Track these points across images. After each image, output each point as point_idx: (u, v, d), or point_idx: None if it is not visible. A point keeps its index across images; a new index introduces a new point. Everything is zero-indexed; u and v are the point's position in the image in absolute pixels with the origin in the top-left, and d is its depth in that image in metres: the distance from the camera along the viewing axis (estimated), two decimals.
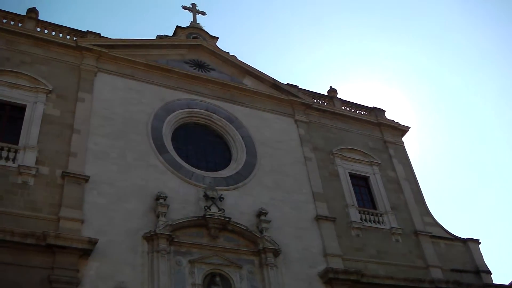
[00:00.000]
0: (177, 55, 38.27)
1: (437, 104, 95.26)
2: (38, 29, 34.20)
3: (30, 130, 29.06)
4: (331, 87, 44.71)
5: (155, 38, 38.91)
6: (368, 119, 43.41)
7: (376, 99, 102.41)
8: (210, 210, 29.98)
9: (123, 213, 28.40)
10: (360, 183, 38.88)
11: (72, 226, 26.55)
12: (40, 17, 34.97)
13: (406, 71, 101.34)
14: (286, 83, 41.09)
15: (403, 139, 44.34)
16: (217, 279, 28.15)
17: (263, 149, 35.92)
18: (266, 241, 30.19)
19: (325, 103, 42.63)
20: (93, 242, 25.95)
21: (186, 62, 38.13)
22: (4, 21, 33.46)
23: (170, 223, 28.38)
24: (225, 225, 29.86)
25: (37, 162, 28.04)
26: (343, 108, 43.26)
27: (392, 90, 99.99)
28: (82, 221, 27.03)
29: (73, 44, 34.07)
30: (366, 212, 36.53)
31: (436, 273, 35.29)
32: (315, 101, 41.75)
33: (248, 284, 28.77)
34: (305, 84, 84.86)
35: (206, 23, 51.41)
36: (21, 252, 24.73)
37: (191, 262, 28.06)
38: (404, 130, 44.47)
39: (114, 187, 29.14)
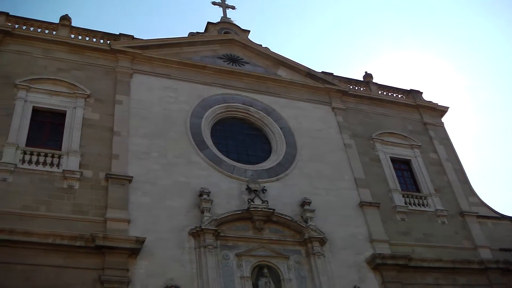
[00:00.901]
0: (210, 51, 38.42)
1: (473, 81, 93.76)
2: (72, 36, 34.81)
3: (72, 135, 29.63)
4: (366, 72, 44.39)
5: (187, 36, 39.08)
6: (406, 102, 42.97)
7: (413, 81, 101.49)
8: (253, 202, 30.01)
9: (167, 211, 28.69)
10: (402, 166, 38.54)
11: (119, 227, 26.96)
12: (73, 24, 35.50)
13: (441, 50, 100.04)
14: (320, 71, 40.90)
15: (443, 119, 43.75)
16: (265, 270, 28.20)
17: (302, 139, 35.84)
18: (312, 230, 30.11)
19: (362, 89, 42.35)
20: (140, 241, 26.29)
21: (220, 57, 38.29)
22: (39, 30, 34.17)
23: (215, 218, 28.52)
24: (270, 217, 29.86)
25: (80, 166, 28.57)
26: (379, 92, 42.91)
27: (429, 71, 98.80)
28: (129, 221, 27.42)
29: (107, 48, 34.55)
30: (410, 196, 36.16)
31: (485, 254, 34.75)
32: (351, 87, 41.50)
33: (296, 274, 28.74)
34: (339, 71, 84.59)
35: (236, 17, 51.53)
36: (71, 255, 25.26)
37: (238, 255, 28.18)
38: (443, 110, 43.86)
39: (157, 186, 29.46)
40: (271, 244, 29.29)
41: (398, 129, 40.48)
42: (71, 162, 28.44)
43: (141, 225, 27.58)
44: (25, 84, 30.70)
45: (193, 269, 27.16)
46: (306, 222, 30.58)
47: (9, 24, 33.38)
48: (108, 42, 35.07)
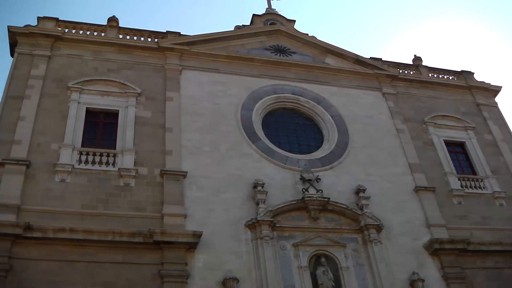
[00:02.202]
0: (257, 43, 38.51)
1: None
2: (120, 36, 35.47)
3: (125, 134, 30.21)
4: (415, 55, 43.74)
5: (233, 29, 39.19)
6: (458, 84, 42.13)
7: (463, 62, 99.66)
8: (308, 192, 30.00)
9: (223, 204, 28.94)
10: (457, 149, 37.84)
11: (175, 222, 27.36)
12: (120, 24, 36.17)
13: (490, 25, 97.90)
14: (369, 57, 40.52)
15: (496, 99, 42.76)
16: (322, 259, 28.12)
17: (354, 126, 35.58)
18: (368, 218, 29.90)
19: (411, 72, 41.75)
20: (197, 235, 26.60)
21: (267, 49, 38.33)
22: (88, 33, 34.97)
23: (270, 209, 28.61)
24: (325, 206, 29.77)
25: (135, 163, 29.11)
26: (430, 75, 42.20)
27: (479, 50, 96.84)
28: (185, 216, 27.78)
29: (155, 46, 35.00)
30: (466, 179, 35.46)
31: None
32: (400, 71, 40.94)
33: (353, 262, 28.60)
34: (388, 56, 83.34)
35: (281, 7, 51.47)
36: (131, 251, 25.82)
37: (295, 245, 28.21)
38: (496, 90, 42.84)
39: (211, 179, 29.76)
40: (328, 233, 29.21)
41: (451, 111, 39.75)
42: (126, 160, 29.01)
43: (197, 219, 27.92)
44: (77, 86, 31.46)
45: (250, 260, 27.35)
46: (361, 209, 30.40)
47: (59, 28, 34.23)
48: (156, 40, 35.50)
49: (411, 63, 43.15)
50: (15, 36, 33.26)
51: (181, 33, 36.49)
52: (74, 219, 26.26)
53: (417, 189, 33.12)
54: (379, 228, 29.85)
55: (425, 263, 30.02)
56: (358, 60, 39.72)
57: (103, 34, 35.19)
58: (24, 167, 27.41)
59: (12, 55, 33.64)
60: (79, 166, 28.32)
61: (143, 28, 36.30)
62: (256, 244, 27.76)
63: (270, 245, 27.67)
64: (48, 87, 31.32)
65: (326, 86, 37.51)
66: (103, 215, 26.85)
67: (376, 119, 36.74)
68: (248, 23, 40.96)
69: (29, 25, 33.68)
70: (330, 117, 35.48)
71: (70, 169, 27.92)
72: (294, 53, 38.85)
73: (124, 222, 26.64)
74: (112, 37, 34.89)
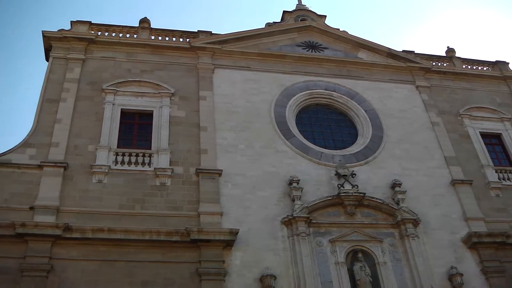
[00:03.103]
0: (288, 39, 38.44)
1: None
2: (152, 37, 35.82)
3: (160, 134, 30.52)
4: (448, 47, 43.25)
5: (264, 26, 39.19)
6: (492, 74, 41.44)
7: (497, 52, 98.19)
8: (343, 187, 29.92)
9: (258, 201, 29.04)
10: (493, 141, 37.23)
11: (212, 220, 27.56)
12: (152, 25, 36.46)
13: None
14: (401, 50, 40.18)
15: None
16: (359, 255, 27.99)
17: (388, 120, 35.32)
18: (404, 212, 29.64)
19: (445, 64, 41.24)
20: (234, 233, 26.74)
21: (298, 45, 38.26)
22: (120, 35, 35.40)
23: (306, 205, 28.60)
24: (361, 201, 29.67)
25: (171, 163, 29.39)
26: (464, 66, 41.64)
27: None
28: (221, 214, 27.97)
29: (187, 46, 35.25)
30: (503, 171, 34.85)
31: None
32: (433, 64, 40.49)
33: (390, 257, 28.43)
34: (420, 48, 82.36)
35: (311, 3, 51.28)
36: (168, 250, 26.13)
37: (331, 241, 28.14)
38: None
39: (246, 177, 29.88)
40: (364, 228, 29.08)
41: (486, 102, 39.17)
42: (161, 160, 29.31)
43: (233, 217, 28.08)
44: (112, 88, 31.94)
45: (287, 257, 27.38)
46: (398, 204, 30.16)
47: (92, 32, 34.71)
48: (188, 40, 35.72)
49: (445, 55, 42.63)
50: (50, 41, 33.87)
51: (213, 32, 36.65)
52: (112, 219, 26.68)
53: (454, 183, 32.70)
54: (416, 222, 29.56)
55: (463, 257, 29.64)
56: (390, 53, 39.41)
57: (135, 35, 35.58)
58: (62, 169, 27.94)
59: (47, 59, 34.28)
60: (115, 167, 28.74)
61: (174, 29, 36.57)
62: (292, 241, 27.77)
63: (306, 241, 27.66)
64: (83, 89, 31.86)
65: (359, 80, 37.30)
66: (141, 215, 27.20)
67: (410, 113, 36.39)
68: (279, 20, 41.01)
69: (62, 30, 34.24)
70: (364, 112, 35.30)
71: (107, 170, 28.34)
72: (326, 48, 38.71)
73: (161, 221, 26.95)
74: (145, 39, 35.24)
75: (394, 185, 31.07)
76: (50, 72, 32.54)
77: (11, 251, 24.83)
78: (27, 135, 29.28)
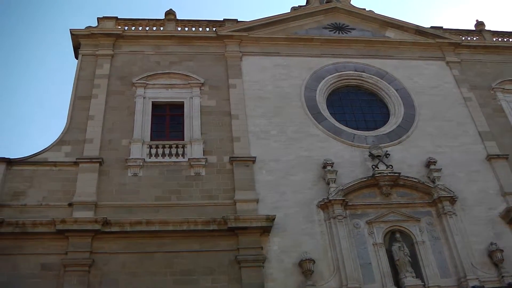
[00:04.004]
0: (314, 22, 38.20)
1: None
2: (179, 28, 36.06)
3: (192, 124, 30.76)
4: (477, 20, 42.48)
5: (289, 11, 38.94)
6: None
7: None
8: (378, 168, 29.74)
9: (293, 186, 29.06)
10: None
11: (248, 207, 27.69)
12: (177, 17, 36.65)
13: None
14: (429, 26, 39.67)
15: None
16: (397, 235, 27.82)
17: (420, 98, 34.91)
18: (440, 190, 29.33)
19: (474, 38, 40.53)
20: (271, 219, 26.81)
21: (325, 28, 38.00)
22: (147, 28, 35.62)
23: (341, 188, 28.53)
24: (396, 181, 29.45)
25: (204, 152, 29.61)
26: (494, 39, 40.85)
27: None
28: (257, 201, 28.07)
29: (214, 35, 35.36)
30: None
31: None
32: (463, 38, 39.85)
33: (429, 235, 28.20)
34: (448, 24, 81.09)
35: None
36: (206, 239, 26.36)
37: (368, 222, 28.08)
38: None
39: (280, 162, 29.93)
40: (401, 208, 28.90)
41: None
42: (195, 150, 29.53)
43: (269, 203, 28.17)
44: (142, 82, 32.27)
45: (325, 241, 27.41)
46: (433, 182, 29.88)
47: (119, 27, 35.08)
48: (214, 29, 35.80)
49: (474, 29, 41.90)
50: (78, 39, 34.32)
51: (238, 20, 36.62)
52: (149, 212, 27.04)
53: (489, 158, 32.22)
54: (452, 200, 29.25)
55: (503, 233, 29.18)
56: (418, 30, 38.88)
57: (162, 28, 35.81)
58: (97, 165, 28.38)
59: (76, 57, 34.67)
60: (150, 160, 29.07)
61: (200, 19, 36.68)
62: (329, 224, 27.77)
63: (343, 224, 27.62)
64: (113, 85, 32.25)
65: (388, 60, 36.91)
66: (177, 206, 27.47)
67: (441, 89, 35.92)
68: (304, 3, 40.76)
69: (90, 27, 34.64)
70: (394, 91, 34.98)
71: (141, 163, 28.69)
72: (353, 29, 38.39)
73: (198, 211, 27.19)
74: (171, 30, 35.46)
75: (429, 163, 30.76)
76: (80, 69, 33.00)
77: (53, 247, 25.39)
78: (62, 133, 29.79)
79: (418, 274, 26.62)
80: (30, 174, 27.92)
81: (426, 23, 41.18)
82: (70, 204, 26.90)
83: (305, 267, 25.79)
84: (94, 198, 27.13)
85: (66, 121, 30.41)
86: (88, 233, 25.64)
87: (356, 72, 35.61)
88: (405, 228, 28.27)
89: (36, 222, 25.58)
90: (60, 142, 29.36)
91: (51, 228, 25.49)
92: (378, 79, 35.46)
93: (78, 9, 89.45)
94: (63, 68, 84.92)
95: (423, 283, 26.25)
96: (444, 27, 39.96)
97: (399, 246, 27.31)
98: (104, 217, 25.77)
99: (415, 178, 29.93)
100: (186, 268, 25.42)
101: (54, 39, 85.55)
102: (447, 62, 37.60)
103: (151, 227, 26.01)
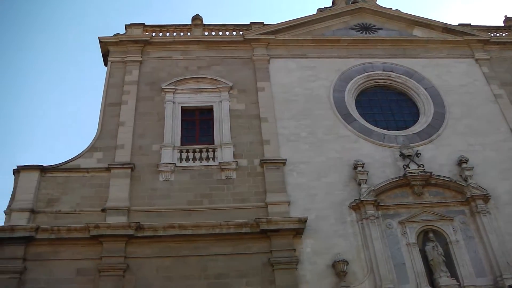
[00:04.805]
0: (341, 23, 38.06)
1: None
2: (206, 33, 36.21)
3: (222, 128, 30.91)
4: (506, 16, 41.99)
5: (315, 12, 38.92)
6: None
7: None
8: (409, 168, 29.55)
9: (324, 188, 29.04)
10: None
11: (280, 209, 27.74)
12: (204, 22, 36.79)
13: None
14: (457, 24, 39.34)
15: None
16: (431, 235, 27.59)
17: (450, 96, 34.60)
18: (473, 189, 29.03)
19: (504, 34, 40.08)
20: (303, 221, 26.81)
21: (352, 28, 37.84)
22: (174, 34, 35.87)
23: (373, 188, 28.44)
24: (428, 180, 29.24)
25: (235, 156, 29.73)
26: None
27: None
28: (289, 203, 28.12)
29: (241, 39, 35.49)
30: None
31: None
32: (492, 35, 39.42)
33: (462, 234, 27.91)
34: (476, 21, 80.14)
35: None
36: (239, 242, 26.44)
37: (401, 223, 27.89)
38: None
39: (311, 164, 29.93)
40: (433, 208, 28.66)
41: None
42: (225, 154, 29.67)
43: (301, 205, 28.20)
44: (170, 87, 32.56)
45: (358, 241, 27.35)
46: (466, 180, 29.59)
47: (147, 33, 35.40)
48: (241, 33, 35.90)
49: (503, 24, 41.44)
50: (107, 46, 34.73)
51: (265, 23, 36.66)
52: (182, 216, 27.22)
53: None
54: (486, 198, 28.95)
55: None
56: (446, 28, 38.55)
57: (189, 33, 36.00)
58: (129, 170, 28.69)
59: (105, 64, 35.09)
60: (181, 164, 29.28)
61: (226, 23, 36.84)
62: (362, 225, 27.70)
63: (376, 224, 27.52)
64: (142, 91, 32.57)
65: (416, 58, 36.64)
66: (209, 209, 27.63)
67: (471, 87, 35.56)
68: (330, 5, 40.71)
69: (118, 34, 35.09)
70: (424, 90, 34.74)
71: (172, 168, 28.91)
72: (379, 29, 38.20)
73: (230, 214, 27.28)
74: (198, 35, 35.65)
75: (461, 161, 30.48)
76: (109, 76, 33.43)
77: (87, 253, 25.76)
78: (93, 139, 30.18)
79: (453, 274, 26.35)
80: (63, 181, 28.34)
81: (453, 21, 40.66)
82: (103, 210, 27.25)
83: (339, 268, 25.73)
84: (126, 203, 27.43)
85: (97, 128, 30.76)
86: (122, 238, 25.92)
87: (384, 72, 35.44)
88: (439, 228, 28.02)
89: (70, 228, 25.97)
90: (92, 148, 29.74)
91: (85, 233, 25.87)
92: (407, 78, 35.23)
93: (106, 17, 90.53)
94: (92, 76, 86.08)
95: (458, 283, 25.99)
96: (472, 24, 39.61)
97: (433, 246, 27.08)
98: (137, 222, 26.02)
99: (447, 177, 29.68)
100: (219, 271, 25.54)
101: (83, 47, 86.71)
102: (476, 59, 37.22)
103: (184, 231, 26.19)
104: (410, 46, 37.31)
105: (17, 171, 28.27)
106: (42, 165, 28.49)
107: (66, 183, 28.24)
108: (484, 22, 75.34)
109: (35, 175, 28.14)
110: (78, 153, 29.41)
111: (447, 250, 27.26)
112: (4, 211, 26.93)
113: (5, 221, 26.55)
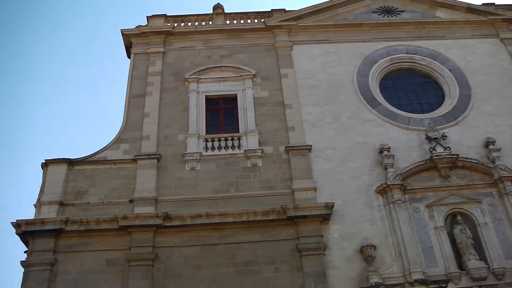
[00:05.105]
0: (363, 7, 37.67)
1: None
2: (227, 22, 36.25)
3: (246, 116, 31.01)
4: None
5: None
6: None
7: None
8: (435, 151, 29.30)
9: (351, 173, 29.01)
10: None
11: (306, 196, 27.78)
12: (225, 10, 36.87)
13: None
14: (481, 3, 38.82)
15: None
16: (459, 218, 27.41)
17: (475, 77, 34.17)
18: (501, 170, 28.67)
19: None
20: (330, 206, 26.83)
21: (374, 12, 37.49)
22: (196, 24, 35.88)
23: (399, 172, 28.30)
24: (455, 163, 28.97)
25: (260, 143, 29.83)
26: None
27: None
28: (315, 189, 28.16)
29: (263, 26, 35.41)
30: None
31: None
32: None
33: (491, 217, 27.66)
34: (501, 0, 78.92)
35: None
36: (266, 229, 26.61)
37: (428, 206, 27.76)
38: None
39: (336, 150, 29.90)
40: (461, 190, 28.43)
41: None
42: (250, 142, 29.77)
43: (327, 191, 28.21)
44: (194, 77, 32.72)
45: (385, 226, 27.29)
46: (493, 162, 29.28)
47: (169, 24, 35.58)
48: (262, 20, 35.79)
49: None
50: (129, 38, 35.00)
51: (286, 9, 36.52)
52: (209, 204, 27.43)
53: None
54: None
55: None
56: (470, 8, 37.97)
57: (210, 22, 36.04)
58: (155, 161, 28.96)
59: (128, 56, 35.32)
60: (206, 153, 29.47)
61: (248, 11, 36.80)
62: (389, 209, 27.62)
63: (403, 208, 27.42)
64: (166, 81, 32.81)
65: (440, 40, 36.21)
66: (236, 197, 27.78)
67: (497, 67, 35.05)
68: None
69: (140, 26, 35.24)
70: (448, 72, 34.37)
71: (198, 157, 29.12)
72: (402, 11, 37.78)
73: (257, 202, 27.39)
74: (220, 24, 35.69)
75: (488, 143, 30.15)
76: (133, 68, 33.72)
77: (116, 243, 26.14)
78: (119, 131, 30.49)
79: (482, 257, 26.19)
80: (90, 173, 28.71)
81: (477, 1, 39.95)
82: (131, 201, 27.55)
83: (366, 253, 25.71)
84: (154, 194, 27.70)
85: (122, 120, 31.04)
86: (150, 228, 26.21)
87: (408, 55, 35.13)
88: (466, 210, 27.83)
89: (99, 219, 26.34)
90: (118, 140, 30.08)
91: (114, 224, 26.20)
92: (431, 60, 34.90)
93: (128, 9, 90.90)
94: (116, 69, 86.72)
95: (487, 266, 25.83)
96: (496, 3, 39.01)
97: (461, 229, 26.91)
98: (164, 212, 26.28)
99: (474, 159, 29.42)
100: (248, 258, 25.73)
101: (106, 40, 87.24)
102: (501, 39, 36.64)
103: (211, 220, 26.39)
104: (433, 27, 36.86)
105: (45, 164, 28.67)
106: (69, 158, 28.85)
107: (93, 175, 28.60)
108: (508, 1, 74.14)
109: (63, 168, 28.52)
110: (105, 146, 29.76)
111: (476, 233, 27.09)
112: (34, 205, 27.37)
113: (35, 214, 26.97)
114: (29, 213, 26.94)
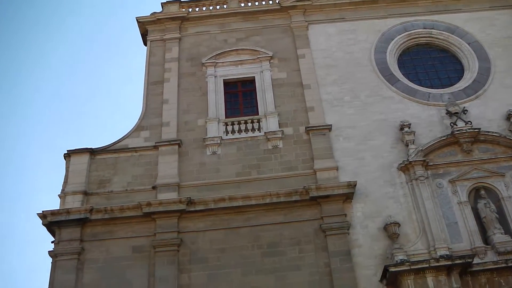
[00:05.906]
0: None
1: None
2: (242, 4, 35.93)
3: (265, 98, 30.94)
4: None
5: None
6: None
7: None
8: (456, 125, 29.08)
9: (372, 151, 28.92)
10: None
11: (328, 175, 27.74)
12: None
13: None
14: None
15: None
16: (482, 192, 27.23)
17: (494, 49, 33.68)
18: None
19: None
20: (352, 185, 26.80)
21: None
22: (211, 8, 35.80)
23: (421, 148, 28.15)
24: (476, 137, 28.73)
25: (280, 125, 29.81)
26: None
27: None
28: (337, 168, 28.11)
29: (278, 7, 35.20)
30: None
31: None
32: None
33: None
34: None
35: None
36: (290, 210, 26.69)
37: (451, 181, 27.58)
38: None
39: (356, 128, 29.80)
40: (483, 164, 28.20)
41: None
42: (270, 124, 29.75)
43: (349, 170, 28.17)
44: (211, 61, 32.71)
45: (408, 203, 27.20)
46: None
47: (183, 9, 35.52)
48: (277, 1, 35.55)
49: None
50: (145, 26, 35.08)
51: None
52: (231, 188, 27.51)
53: None
54: None
55: None
56: None
57: (225, 6, 35.86)
58: (176, 147, 29.08)
59: (145, 43, 35.38)
60: (227, 137, 29.53)
61: None
62: (412, 186, 27.50)
63: (426, 184, 27.29)
64: (184, 67, 32.85)
65: (458, 13, 35.63)
66: (258, 180, 27.84)
67: None
68: None
69: (155, 12, 35.23)
70: (467, 45, 33.95)
71: (219, 141, 29.21)
72: None
73: (279, 183, 27.41)
74: (235, 7, 35.50)
75: (509, 116, 29.79)
76: (150, 55, 33.78)
77: (141, 230, 26.43)
78: (139, 119, 30.65)
79: (507, 230, 26.02)
80: (113, 162, 28.93)
81: None
82: (154, 187, 27.75)
83: (391, 230, 25.67)
84: (176, 179, 27.85)
85: (141, 107, 31.16)
86: (174, 213, 26.41)
87: (425, 30, 34.71)
88: (490, 184, 27.61)
89: (123, 207, 26.59)
90: (138, 128, 30.24)
91: (138, 211, 26.45)
92: (449, 34, 34.46)
93: None
94: (133, 56, 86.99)
95: None
96: None
97: (485, 203, 26.74)
98: (188, 197, 26.46)
99: (496, 132, 29.14)
100: (272, 240, 25.83)
101: (122, 29, 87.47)
102: None
103: (234, 203, 26.50)
104: (450, 1, 36.25)
105: (68, 155, 28.93)
106: (91, 148, 29.08)
107: (116, 164, 28.84)
108: None
109: (85, 158, 28.78)
110: (125, 134, 29.95)
111: (500, 207, 26.89)
112: (59, 195, 27.68)
113: (60, 204, 27.28)
114: (54, 204, 27.24)
